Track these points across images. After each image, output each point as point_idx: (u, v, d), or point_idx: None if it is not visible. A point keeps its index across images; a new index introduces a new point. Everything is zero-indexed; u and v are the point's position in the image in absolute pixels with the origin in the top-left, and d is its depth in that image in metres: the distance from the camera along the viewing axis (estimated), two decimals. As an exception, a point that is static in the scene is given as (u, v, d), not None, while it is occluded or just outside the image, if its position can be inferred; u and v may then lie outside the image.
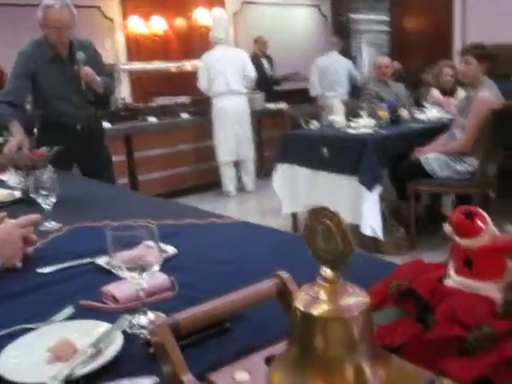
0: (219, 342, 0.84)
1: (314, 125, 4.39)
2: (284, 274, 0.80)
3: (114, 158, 5.25)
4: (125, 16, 6.76)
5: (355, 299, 0.57)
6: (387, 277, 0.83)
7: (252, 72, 5.69)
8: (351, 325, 0.55)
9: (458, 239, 0.76)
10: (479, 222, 0.74)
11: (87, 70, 2.96)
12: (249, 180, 5.98)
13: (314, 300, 0.57)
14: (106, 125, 5.37)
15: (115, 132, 5.36)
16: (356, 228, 3.48)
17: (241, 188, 5.97)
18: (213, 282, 1.11)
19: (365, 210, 3.46)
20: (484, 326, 0.67)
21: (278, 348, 0.67)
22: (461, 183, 3.52)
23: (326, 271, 0.58)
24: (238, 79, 5.58)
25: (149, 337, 0.78)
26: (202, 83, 5.60)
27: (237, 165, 5.90)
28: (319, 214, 0.57)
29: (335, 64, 6.67)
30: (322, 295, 0.57)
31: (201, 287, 1.07)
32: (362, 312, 0.56)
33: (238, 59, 5.64)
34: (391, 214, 3.76)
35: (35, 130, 3.42)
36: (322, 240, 0.57)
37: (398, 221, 3.80)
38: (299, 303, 0.58)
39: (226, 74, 5.51)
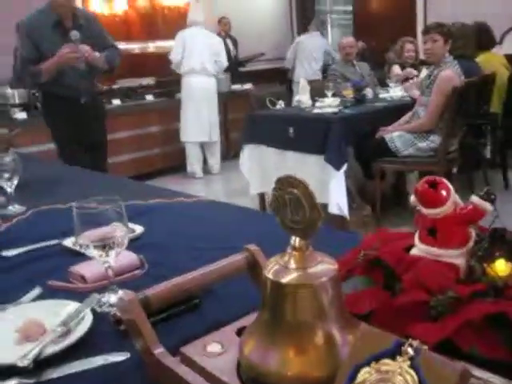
0: (189, 317, 0.85)
1: (280, 105, 4.40)
2: (253, 248, 0.80)
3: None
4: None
5: (324, 266, 0.58)
6: (355, 247, 0.85)
7: (225, 61, 5.74)
8: (320, 291, 0.56)
9: (422, 209, 0.78)
10: (443, 192, 0.76)
11: (84, 50, 2.96)
12: (215, 162, 5.95)
13: (284, 268, 0.58)
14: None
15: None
16: (323, 207, 3.52)
17: (206, 171, 5.94)
18: (182, 259, 1.11)
19: (332, 188, 3.50)
20: (448, 291, 0.69)
21: (249, 320, 0.68)
22: (424, 160, 3.59)
23: (296, 240, 0.58)
24: (211, 61, 5.57)
25: (119, 314, 0.78)
26: (176, 56, 5.52)
27: (202, 146, 5.87)
28: (286, 184, 0.58)
29: (313, 42, 7.11)
30: (292, 264, 0.58)
31: (170, 265, 1.07)
32: (331, 278, 0.57)
33: (214, 44, 5.66)
34: (357, 193, 3.81)
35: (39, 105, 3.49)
36: (290, 209, 0.57)
37: (363, 199, 3.86)
38: (269, 272, 0.59)
39: (201, 53, 5.47)
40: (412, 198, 0.80)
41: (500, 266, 0.73)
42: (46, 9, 3.04)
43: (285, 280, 0.57)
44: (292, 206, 0.57)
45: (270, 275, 0.58)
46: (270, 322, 0.59)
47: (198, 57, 5.48)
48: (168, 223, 1.37)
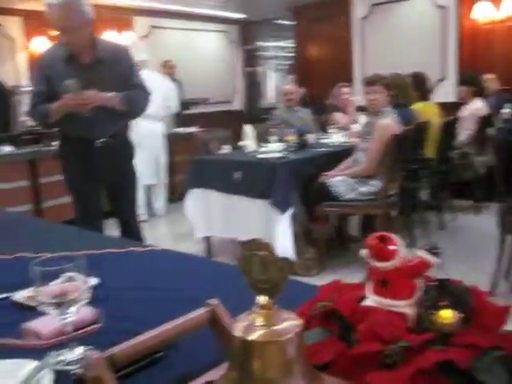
0: (153, 371, 0.85)
1: (226, 149, 4.47)
2: (215, 302, 0.82)
3: (16, 185, 5.05)
4: (28, 36, 6.54)
5: (289, 323, 0.61)
6: (311, 299, 0.89)
7: (175, 106, 5.82)
8: (287, 347, 0.60)
9: (373, 262, 0.83)
10: (392, 247, 0.82)
11: (86, 96, 2.68)
12: (160, 205, 5.93)
13: (251, 326, 0.61)
14: (7, 149, 5.15)
15: (18, 156, 5.16)
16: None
17: (151, 213, 5.89)
18: (139, 311, 1.11)
19: (277, 232, 3.56)
20: (400, 341, 0.74)
21: (215, 375, 0.70)
22: (365, 204, 3.72)
23: (262, 299, 0.62)
24: (163, 106, 5.62)
25: (80, 372, 0.77)
26: None
27: (146, 189, 5.83)
28: (253, 246, 0.61)
29: None
30: (259, 321, 0.61)
31: (127, 317, 1.07)
32: (296, 334, 0.61)
33: (167, 89, 5.70)
34: (302, 236, 3.88)
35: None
36: (257, 270, 0.61)
37: (308, 242, 3.93)
38: (237, 330, 0.61)
39: (155, 98, 5.48)
40: (363, 252, 0.85)
41: (446, 315, 0.79)
42: (62, 42, 2.79)
43: (252, 337, 0.60)
44: (259, 267, 0.60)
45: (237, 333, 0.61)
46: (238, 379, 0.61)
47: (152, 101, 5.49)
48: (122, 274, 1.36)
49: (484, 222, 4.71)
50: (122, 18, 7.16)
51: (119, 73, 2.85)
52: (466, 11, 6.33)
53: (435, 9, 6.58)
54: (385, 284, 0.83)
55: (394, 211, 3.94)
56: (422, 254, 0.82)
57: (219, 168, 4.10)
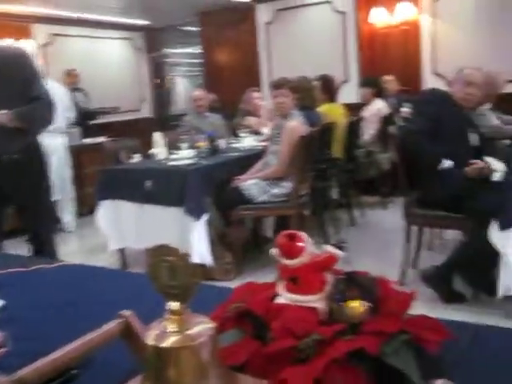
0: (66, 391, 0.82)
1: (136, 158, 4.38)
2: (127, 313, 0.81)
3: None
4: None
5: (202, 327, 0.62)
6: (224, 301, 0.89)
7: (73, 115, 5.61)
8: (200, 351, 0.60)
9: (283, 260, 0.85)
10: (300, 244, 0.84)
11: None
12: (69, 219, 5.70)
13: (163, 333, 0.60)
14: None
15: None
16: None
17: (60, 229, 5.64)
18: (49, 330, 1.07)
19: (193, 238, 3.53)
20: (312, 334, 0.76)
21: (130, 386, 0.69)
22: (278, 205, 3.79)
23: (173, 305, 0.61)
24: (63, 117, 5.37)
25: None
26: None
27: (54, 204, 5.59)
28: (161, 251, 0.61)
29: None
30: (171, 328, 0.61)
31: (36, 338, 1.02)
32: (210, 337, 0.61)
33: (64, 98, 5.45)
34: (219, 241, 3.89)
35: None
36: (166, 275, 0.60)
37: (225, 247, 3.94)
38: (149, 338, 0.61)
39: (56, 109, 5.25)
40: (273, 251, 0.87)
41: (355, 305, 0.82)
42: None
43: (165, 344, 0.59)
44: (167, 272, 0.60)
45: (150, 341, 0.60)
46: (154, 387, 0.61)
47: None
48: (29, 294, 1.30)
49: (391, 215, 4.94)
50: (19, 26, 6.83)
51: (18, 82, 2.63)
52: (363, 16, 6.62)
53: (335, 14, 6.84)
54: (295, 281, 0.85)
55: (306, 211, 4.04)
56: (329, 249, 0.86)
57: (130, 177, 4.01)
